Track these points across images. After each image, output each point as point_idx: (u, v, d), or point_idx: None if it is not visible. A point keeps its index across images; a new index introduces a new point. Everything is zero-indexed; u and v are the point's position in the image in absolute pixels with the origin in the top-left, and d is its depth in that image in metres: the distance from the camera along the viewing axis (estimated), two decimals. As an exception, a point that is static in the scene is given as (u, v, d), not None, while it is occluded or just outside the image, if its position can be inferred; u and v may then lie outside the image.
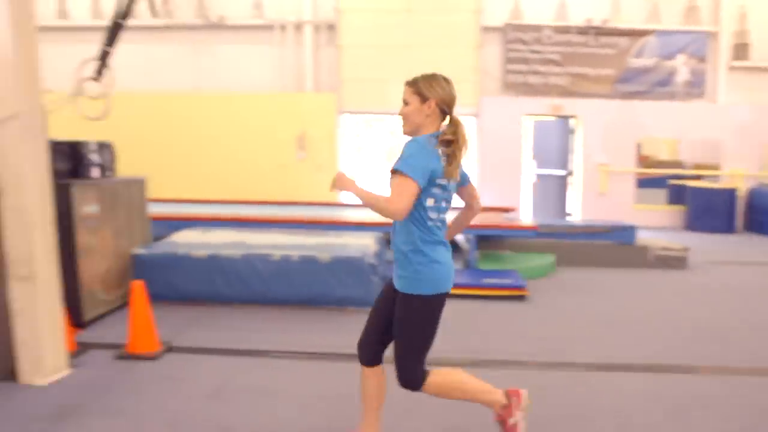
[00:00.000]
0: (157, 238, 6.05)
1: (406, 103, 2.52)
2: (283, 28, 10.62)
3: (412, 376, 2.56)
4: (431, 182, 2.39)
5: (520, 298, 5.85)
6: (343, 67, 10.63)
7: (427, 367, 2.61)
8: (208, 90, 10.50)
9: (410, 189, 2.32)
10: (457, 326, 4.93)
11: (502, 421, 2.73)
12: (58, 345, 3.75)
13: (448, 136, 2.45)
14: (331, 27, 10.57)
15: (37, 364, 3.60)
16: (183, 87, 10.49)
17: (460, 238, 8.26)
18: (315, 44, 10.67)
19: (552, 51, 10.57)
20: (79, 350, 4.14)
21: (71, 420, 3.13)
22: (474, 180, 11.02)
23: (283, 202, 9.64)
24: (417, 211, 2.43)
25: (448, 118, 2.51)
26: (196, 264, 5.18)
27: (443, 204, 2.52)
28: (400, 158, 2.40)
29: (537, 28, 10.51)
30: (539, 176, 11.63)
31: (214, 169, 10.63)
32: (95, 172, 4.95)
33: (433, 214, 2.48)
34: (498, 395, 2.72)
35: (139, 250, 5.27)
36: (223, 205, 8.50)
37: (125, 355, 4.05)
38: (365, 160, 12.45)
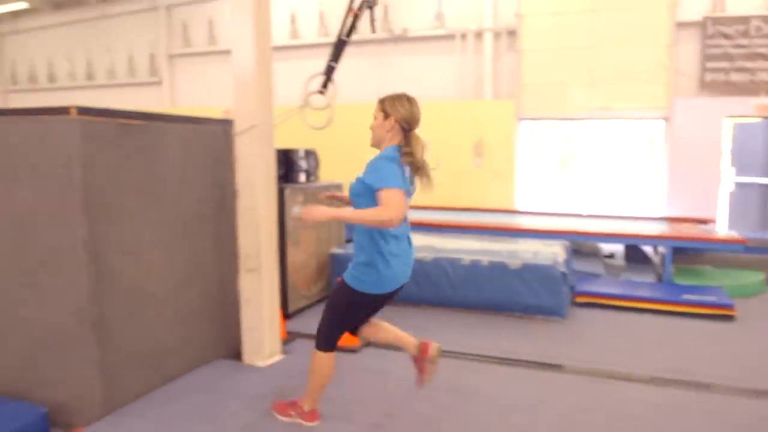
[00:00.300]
0: (349, 239, 6.45)
1: (374, 118, 2.88)
2: (463, 36, 10.76)
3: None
4: None
5: (726, 318, 5.31)
6: (523, 73, 10.49)
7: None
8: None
9: (398, 196, 2.63)
10: (652, 343, 4.64)
11: (293, 403, 3.19)
12: (275, 332, 4.17)
13: (405, 149, 2.76)
14: (512, 33, 10.49)
15: (259, 347, 4.04)
16: (366, 99, 11.08)
17: (649, 249, 7.75)
18: (495, 51, 10.66)
19: (762, 44, 9.47)
20: (288, 338, 4.56)
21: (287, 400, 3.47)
22: (663, 187, 10.26)
23: (462, 208, 9.76)
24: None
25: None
26: (389, 265, 5.43)
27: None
28: (375, 176, 2.68)
29: (744, 20, 9.48)
30: (737, 185, 10.45)
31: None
32: (302, 177, 5.43)
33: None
34: (309, 407, 3.15)
35: (337, 250, 5.68)
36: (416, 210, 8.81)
37: (330, 345, 4.38)
38: (538, 166, 12.10)
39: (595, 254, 7.49)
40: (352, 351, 4.31)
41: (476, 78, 10.87)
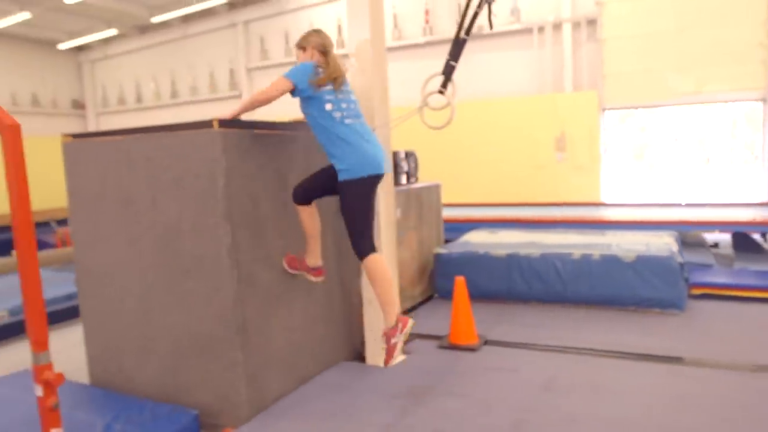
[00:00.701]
0: (447, 240, 6.45)
1: (297, 58, 3.38)
2: (540, 29, 10.58)
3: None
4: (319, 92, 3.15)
5: None
6: (605, 62, 10.19)
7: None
8: (467, 98, 10.92)
9: (282, 83, 3.15)
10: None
11: (386, 337, 3.27)
12: (397, 332, 4.20)
13: (321, 62, 3.25)
14: (591, 22, 10.22)
15: (383, 347, 4.08)
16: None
17: (758, 237, 7.35)
18: (574, 42, 10.42)
19: None
20: (407, 339, 4.59)
21: (426, 399, 3.49)
22: (763, 172, 9.70)
23: (547, 203, 9.58)
24: (320, 117, 3.16)
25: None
26: (495, 263, 5.40)
27: (343, 106, 3.20)
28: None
29: None
30: None
31: (474, 173, 10.98)
32: (403, 179, 5.47)
33: (336, 114, 3.16)
34: (395, 317, 3.24)
35: (441, 250, 5.68)
36: (494, 208, 8.74)
37: (448, 345, 4.39)
38: (615, 157, 11.64)
39: (701, 244, 7.16)
40: (472, 350, 4.29)
41: (555, 70, 10.65)
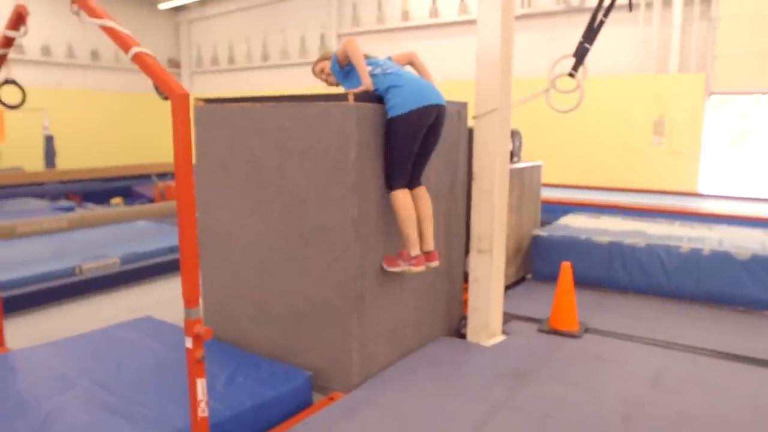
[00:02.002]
0: (544, 222, 6.35)
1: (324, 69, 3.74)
2: (648, 5, 10.04)
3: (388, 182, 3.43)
4: None
5: None
6: (717, 43, 9.59)
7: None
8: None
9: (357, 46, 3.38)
10: None
11: (398, 255, 3.46)
12: (499, 313, 4.23)
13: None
14: (705, 0, 9.61)
15: (484, 327, 4.12)
16: (538, 74, 10.76)
17: None
18: (684, 20, 9.84)
19: None
20: (505, 319, 4.60)
21: (532, 381, 3.51)
22: None
23: (645, 189, 9.24)
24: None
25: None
26: (597, 249, 5.28)
27: (380, 63, 3.48)
28: None
29: None
30: None
31: (568, 153, 10.69)
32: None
33: (377, 71, 3.40)
34: (413, 249, 3.40)
35: (541, 232, 5.61)
36: (588, 191, 8.52)
37: (549, 329, 4.36)
38: (710, 143, 10.96)
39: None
40: (574, 336, 4.26)
41: (660, 50, 10.12)
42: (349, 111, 3.17)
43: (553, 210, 7.03)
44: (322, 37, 13.77)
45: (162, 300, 5.51)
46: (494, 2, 3.64)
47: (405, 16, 12.46)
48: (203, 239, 4.03)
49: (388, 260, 3.49)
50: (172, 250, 6.69)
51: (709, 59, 9.72)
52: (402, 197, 3.37)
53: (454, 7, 11.85)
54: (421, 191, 3.54)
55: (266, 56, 14.83)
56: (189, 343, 2.50)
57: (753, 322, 4.65)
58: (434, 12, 12.10)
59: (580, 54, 3.48)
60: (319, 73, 3.77)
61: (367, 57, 3.49)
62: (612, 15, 10.84)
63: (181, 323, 4.22)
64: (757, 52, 9.33)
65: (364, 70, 3.36)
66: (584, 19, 10.61)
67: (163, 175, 11.79)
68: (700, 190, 9.88)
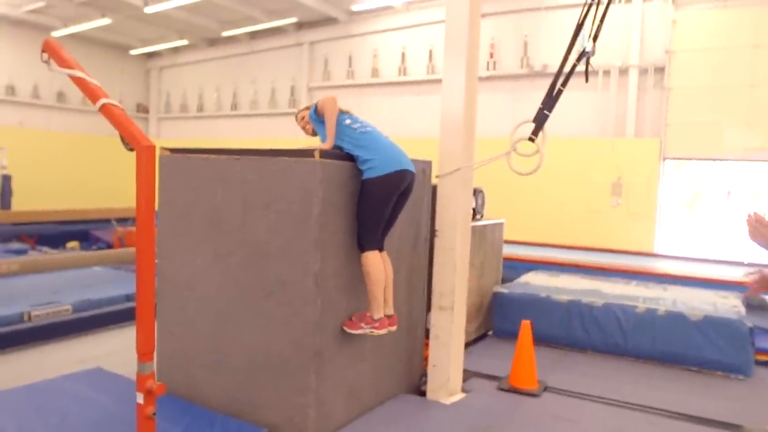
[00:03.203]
0: (504, 280, 6.43)
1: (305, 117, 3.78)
2: (606, 73, 10.56)
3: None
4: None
5: None
6: (670, 111, 10.10)
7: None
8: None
9: (334, 104, 3.48)
10: None
11: (360, 318, 3.47)
12: (459, 370, 4.22)
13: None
14: (659, 69, 10.16)
15: (444, 384, 4.10)
16: (501, 133, 11.10)
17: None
18: (640, 88, 10.36)
19: None
20: (465, 376, 4.59)
21: (490, 442, 3.48)
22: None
23: (603, 249, 9.46)
24: (343, 133, 3.47)
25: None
26: (556, 308, 5.36)
27: (357, 120, 3.55)
28: None
29: None
30: None
31: (528, 210, 10.93)
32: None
33: (355, 126, 3.49)
34: (378, 312, 3.45)
35: (502, 289, 5.67)
36: (549, 249, 8.69)
37: (509, 387, 4.36)
38: (665, 206, 11.38)
39: (763, 307, 6.96)
40: (533, 395, 4.26)
41: (618, 115, 10.59)
42: (314, 168, 3.21)
43: (515, 267, 7.14)
44: (293, 89, 14.00)
45: (114, 350, 5.32)
46: (459, 68, 3.79)
47: (375, 73, 12.80)
48: (160, 288, 3.95)
49: (349, 324, 3.47)
50: (128, 298, 6.51)
51: (663, 126, 10.21)
52: (374, 259, 3.40)
53: (422, 66, 12.24)
54: (385, 256, 3.58)
55: (236, 105, 14.95)
56: (140, 398, 2.42)
57: (705, 382, 4.74)
58: (403, 70, 12.47)
59: (540, 120, 3.63)
60: (300, 120, 3.83)
61: (348, 113, 3.59)
62: (574, 81, 11.29)
63: (133, 375, 4.08)
64: (706, 121, 9.85)
65: (331, 129, 3.44)
66: (546, 83, 11.03)
67: (123, 220, 11.57)
68: (657, 250, 10.18)
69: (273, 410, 3.46)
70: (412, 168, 3.49)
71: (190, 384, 3.81)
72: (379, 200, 3.38)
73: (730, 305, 5.23)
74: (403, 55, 12.47)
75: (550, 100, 3.60)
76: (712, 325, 4.83)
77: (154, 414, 2.43)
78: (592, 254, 8.54)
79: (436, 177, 4.00)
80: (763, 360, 5.25)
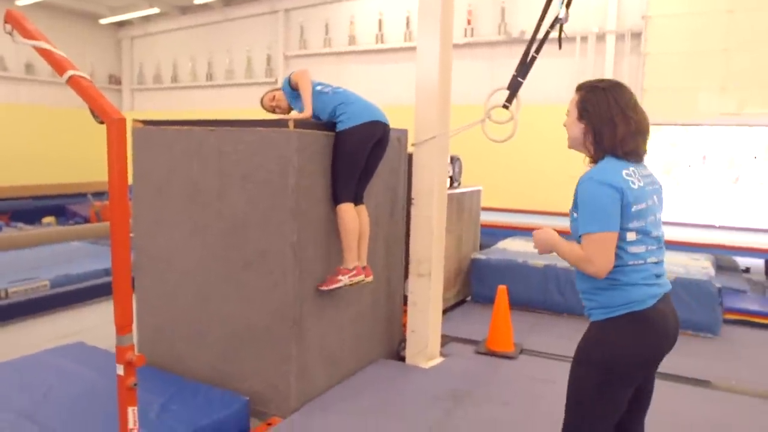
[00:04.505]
0: (482, 245, 6.51)
1: (275, 97, 3.83)
2: (583, 39, 10.55)
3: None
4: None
5: None
6: (646, 77, 10.15)
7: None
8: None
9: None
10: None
11: (337, 271, 3.49)
12: (437, 335, 4.31)
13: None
14: (636, 35, 10.17)
15: (422, 349, 4.18)
16: (479, 100, 11.10)
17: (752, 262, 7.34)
18: (617, 54, 10.38)
19: None
20: (443, 341, 4.68)
21: (469, 403, 3.58)
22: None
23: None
24: (315, 98, 3.53)
25: None
26: (533, 272, 5.46)
27: (327, 84, 3.65)
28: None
29: None
30: None
31: (509, 178, 11.01)
32: (448, 183, 5.53)
33: (326, 90, 3.58)
34: (352, 261, 3.48)
35: (479, 255, 5.75)
36: (527, 215, 8.79)
37: (486, 351, 4.47)
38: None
39: (734, 269, 7.17)
40: (509, 357, 4.37)
41: (595, 81, 10.62)
42: (290, 137, 3.20)
43: (493, 233, 7.23)
44: (269, 58, 13.77)
45: (95, 324, 5.33)
46: (433, 34, 3.77)
47: (352, 40, 12.62)
48: (139, 262, 3.95)
49: (326, 282, 3.51)
50: (107, 272, 6.48)
51: (640, 91, 10.27)
52: (348, 210, 3.46)
53: (399, 34, 12.10)
54: (362, 209, 3.63)
55: (211, 75, 14.68)
56: (120, 370, 2.44)
57: (680, 342, 4.88)
58: (380, 38, 12.31)
59: (514, 87, 3.65)
60: (269, 102, 3.83)
61: (320, 83, 3.63)
62: (552, 47, 11.29)
63: (112, 348, 4.11)
64: (683, 86, 9.92)
65: (308, 99, 3.47)
66: (524, 50, 11.13)
67: (99, 194, 11.42)
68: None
69: (255, 379, 3.52)
70: (385, 120, 3.55)
71: (172, 356, 3.85)
72: (353, 150, 3.43)
73: (700, 267, 5.37)
74: (380, 22, 12.29)
75: (524, 68, 3.62)
76: (683, 286, 4.97)
77: (135, 385, 2.46)
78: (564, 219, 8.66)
79: (412, 145, 4.01)
80: (730, 318, 5.44)
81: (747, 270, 7.64)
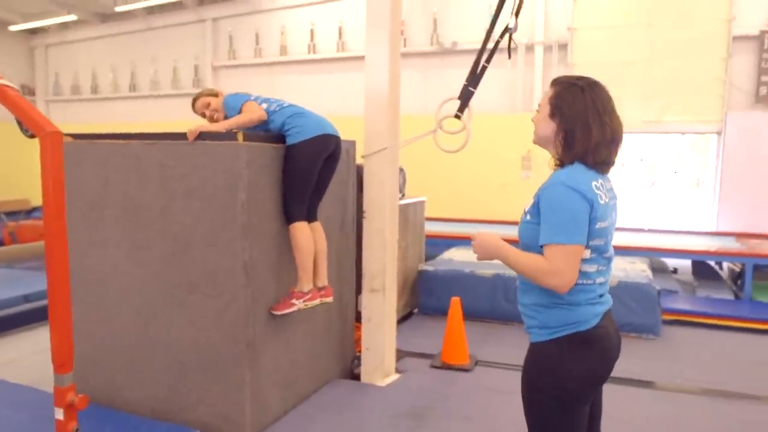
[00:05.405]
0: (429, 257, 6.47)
1: (211, 103, 3.56)
2: (513, 50, 10.79)
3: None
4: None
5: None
6: (573, 86, 10.52)
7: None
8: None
9: (257, 108, 3.31)
10: (751, 362, 4.66)
11: (288, 296, 3.30)
12: (392, 351, 4.19)
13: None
14: (563, 46, 10.53)
15: (378, 367, 4.06)
16: (413, 110, 11.14)
17: (725, 265, 7.74)
18: (546, 64, 10.69)
19: (819, 58, 9.47)
20: (397, 356, 4.58)
21: (430, 420, 3.49)
22: (714, 201, 10.22)
23: (512, 221, 9.75)
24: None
25: None
26: (481, 282, 5.46)
27: (272, 101, 3.44)
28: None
29: (801, 35, 9.50)
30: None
31: (444, 187, 11.08)
32: (393, 194, 5.46)
33: (273, 107, 3.37)
34: (307, 284, 3.31)
35: (426, 267, 5.70)
36: (464, 224, 8.85)
37: (441, 364, 4.40)
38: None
39: (664, 270, 7.47)
40: (465, 370, 4.32)
41: (526, 91, 10.90)
42: (238, 151, 3.02)
43: (435, 243, 7.20)
44: (196, 69, 13.32)
45: (13, 358, 4.86)
46: (382, 44, 3.69)
47: (283, 51, 12.40)
48: (71, 285, 3.61)
49: (278, 306, 3.32)
50: (26, 299, 5.97)
51: (567, 101, 10.61)
52: (301, 228, 3.28)
53: (332, 44, 11.99)
54: (317, 226, 3.47)
55: (134, 86, 14.03)
56: (59, 414, 2.19)
57: (624, 344, 4.99)
58: (312, 48, 12.17)
59: (465, 97, 3.62)
60: (201, 107, 3.54)
61: (259, 96, 3.46)
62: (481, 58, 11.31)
63: (37, 385, 3.75)
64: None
65: (234, 124, 3.19)
66: (456, 60, 11.26)
67: (13, 214, 10.60)
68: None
69: (205, 409, 3.28)
70: (337, 133, 3.41)
71: (109, 388, 3.54)
72: (305, 165, 3.26)
73: (639, 270, 5.53)
74: (312, 32, 12.15)
75: (475, 77, 3.59)
76: (626, 289, 5.10)
77: (77, 430, 2.20)
78: (507, 227, 8.78)
79: (362, 157, 3.90)
80: (666, 319, 5.63)
81: (675, 271, 7.99)
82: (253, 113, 3.26)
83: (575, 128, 1.94)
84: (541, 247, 1.83)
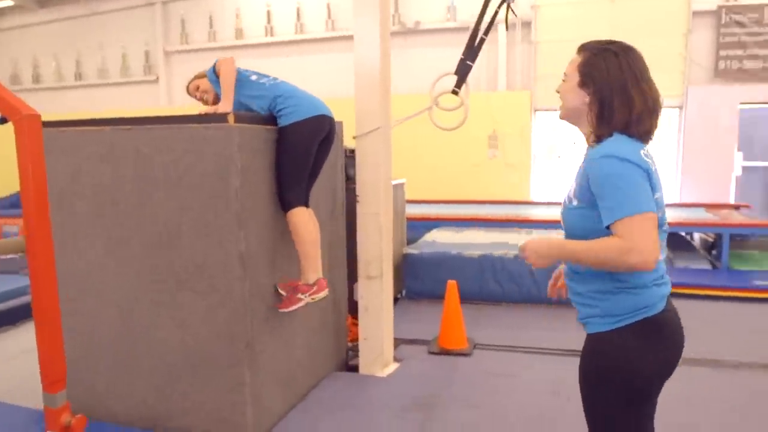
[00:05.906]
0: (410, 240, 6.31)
1: (200, 86, 3.38)
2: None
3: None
4: None
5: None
6: (538, 64, 10.48)
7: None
8: (401, 92, 10.84)
9: (232, 63, 3.13)
10: (738, 329, 4.71)
11: (293, 291, 3.06)
12: (390, 340, 4.02)
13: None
14: (526, 24, 10.45)
15: (377, 357, 3.88)
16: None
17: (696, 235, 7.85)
18: (509, 42, 10.61)
19: (773, 32, 9.68)
20: (393, 345, 4.40)
21: (438, 410, 3.34)
22: (677, 174, 10.41)
23: (478, 200, 9.74)
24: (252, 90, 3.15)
25: None
26: (468, 263, 5.33)
27: (262, 74, 3.33)
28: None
29: (757, 8, 9.67)
30: (745, 169, 10.73)
31: (411, 169, 10.92)
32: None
33: (263, 81, 3.24)
34: (313, 276, 3.06)
35: (411, 250, 5.53)
36: (439, 205, 8.74)
37: (440, 350, 4.25)
38: (557, 159, 12.04)
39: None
40: (465, 354, 4.19)
41: (490, 70, 10.80)
42: (230, 133, 2.76)
43: (414, 226, 7.04)
44: (147, 55, 12.71)
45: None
46: (372, 18, 3.46)
47: (239, 34, 11.94)
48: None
49: (285, 303, 3.08)
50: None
51: (532, 78, 10.58)
52: (303, 215, 3.03)
53: (290, 26, 11.60)
54: (311, 212, 3.22)
55: (80, 75, 13.30)
56: (53, 436, 1.93)
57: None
58: (269, 30, 11.75)
59: (463, 71, 3.45)
60: (193, 91, 3.35)
61: (254, 72, 3.25)
62: (441, 38, 11.32)
63: (13, 400, 3.43)
64: (570, 72, 10.34)
65: (228, 91, 3.03)
66: (419, 40, 11.06)
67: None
68: (532, 198, 10.68)
69: (199, 414, 3.04)
70: (331, 114, 3.19)
71: (91, 397, 3.25)
72: (301, 147, 3.04)
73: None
74: (269, 14, 11.72)
75: (472, 51, 3.40)
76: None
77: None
78: (479, 207, 8.73)
79: (353, 138, 3.68)
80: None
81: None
82: (225, 64, 3.08)
83: (613, 97, 1.75)
84: (607, 228, 1.62)
